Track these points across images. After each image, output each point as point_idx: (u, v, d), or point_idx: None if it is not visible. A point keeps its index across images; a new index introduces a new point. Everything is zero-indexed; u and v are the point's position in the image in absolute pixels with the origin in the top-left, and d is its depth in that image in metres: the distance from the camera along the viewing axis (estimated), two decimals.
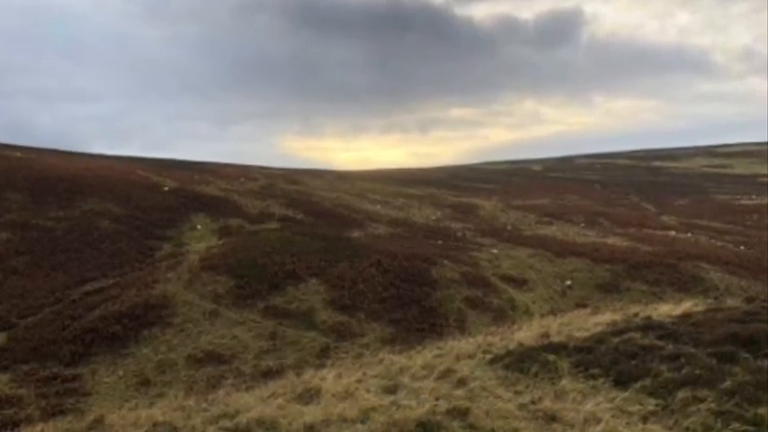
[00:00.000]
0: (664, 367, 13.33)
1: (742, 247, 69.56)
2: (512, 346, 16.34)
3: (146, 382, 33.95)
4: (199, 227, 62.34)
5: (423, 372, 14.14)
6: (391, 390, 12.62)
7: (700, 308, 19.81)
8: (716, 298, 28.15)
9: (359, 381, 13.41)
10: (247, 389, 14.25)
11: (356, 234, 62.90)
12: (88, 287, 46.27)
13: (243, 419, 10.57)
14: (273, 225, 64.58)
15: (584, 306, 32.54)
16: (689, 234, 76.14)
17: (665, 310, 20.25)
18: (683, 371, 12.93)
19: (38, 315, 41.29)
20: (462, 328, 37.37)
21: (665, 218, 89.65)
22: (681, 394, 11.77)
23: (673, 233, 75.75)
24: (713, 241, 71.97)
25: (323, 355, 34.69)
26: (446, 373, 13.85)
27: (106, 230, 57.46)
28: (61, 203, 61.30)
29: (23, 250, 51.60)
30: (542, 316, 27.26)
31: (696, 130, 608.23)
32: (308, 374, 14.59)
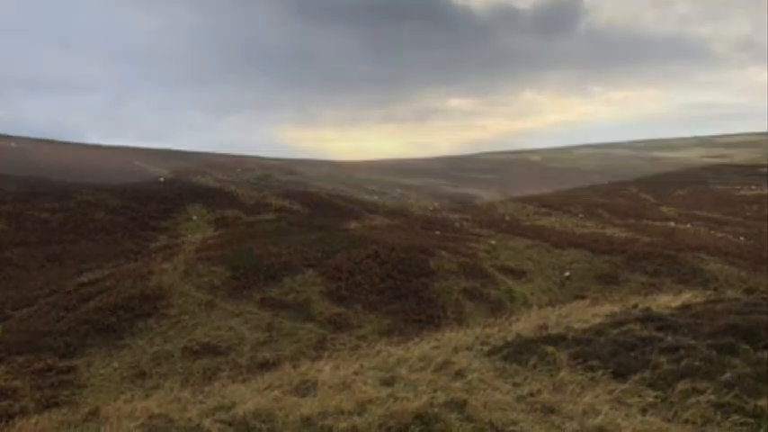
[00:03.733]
0: (663, 359, 13.34)
1: (742, 238, 69.66)
2: (510, 338, 16.34)
3: (141, 374, 33.96)
4: (194, 218, 62.32)
5: (420, 364, 14.14)
6: (388, 381, 12.62)
7: (699, 299, 19.83)
8: (715, 289, 28.19)
9: (356, 372, 13.41)
10: (243, 381, 14.24)
11: (353, 225, 62.92)
12: (83, 278, 46.25)
13: (239, 411, 10.57)
14: (270, 216, 64.59)
15: (583, 297, 32.58)
16: (688, 225, 76.23)
17: (665, 301, 20.27)
18: (683, 362, 12.94)
19: (33, 306, 41.29)
20: (460, 320, 37.39)
21: (664, 208, 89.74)
22: (680, 386, 11.78)
23: (672, 224, 75.86)
24: (713, 232, 72.08)
25: (320, 347, 34.72)
26: (444, 366, 13.85)
27: (101, 221, 57.41)
28: (56, 194, 61.22)
29: (18, 241, 51.56)
30: (540, 307, 27.28)
31: (696, 120, 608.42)
32: (305, 366, 14.58)
